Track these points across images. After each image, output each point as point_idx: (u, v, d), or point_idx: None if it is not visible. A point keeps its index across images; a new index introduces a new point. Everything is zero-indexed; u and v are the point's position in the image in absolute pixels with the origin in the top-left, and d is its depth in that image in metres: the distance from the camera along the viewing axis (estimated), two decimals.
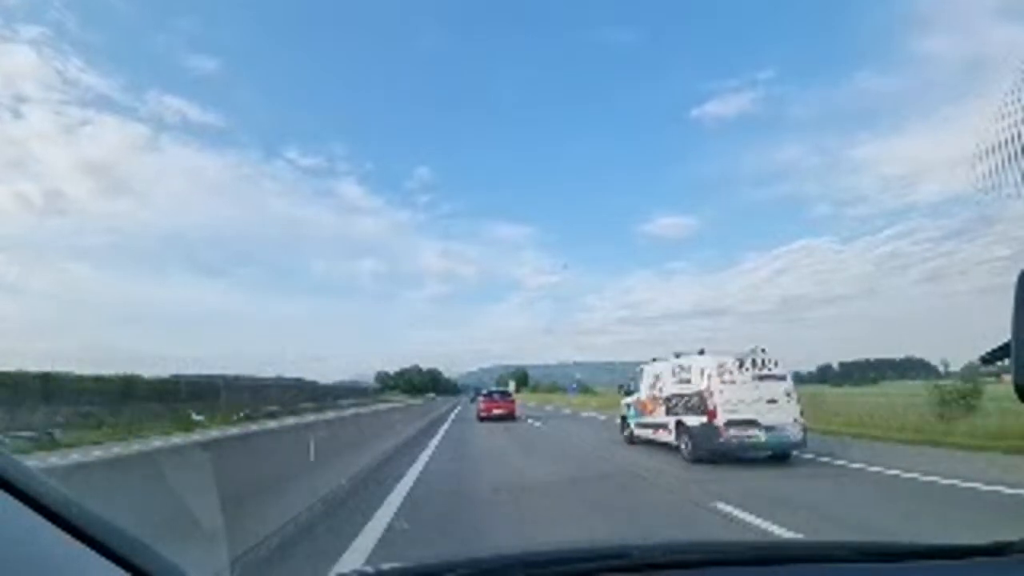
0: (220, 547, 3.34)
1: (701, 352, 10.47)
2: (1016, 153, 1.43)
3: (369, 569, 1.22)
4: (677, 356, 11.38)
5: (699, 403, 9.74)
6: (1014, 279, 0.93)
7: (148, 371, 34.06)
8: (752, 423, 9.22)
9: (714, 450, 9.40)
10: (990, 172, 1.49)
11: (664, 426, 11.17)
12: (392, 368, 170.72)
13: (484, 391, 29.94)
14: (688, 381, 10.37)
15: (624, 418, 13.93)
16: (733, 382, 9.53)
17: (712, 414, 9.35)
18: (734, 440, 9.16)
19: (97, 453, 4.66)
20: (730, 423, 9.20)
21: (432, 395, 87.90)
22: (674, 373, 11.06)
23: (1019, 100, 1.45)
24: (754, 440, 9.22)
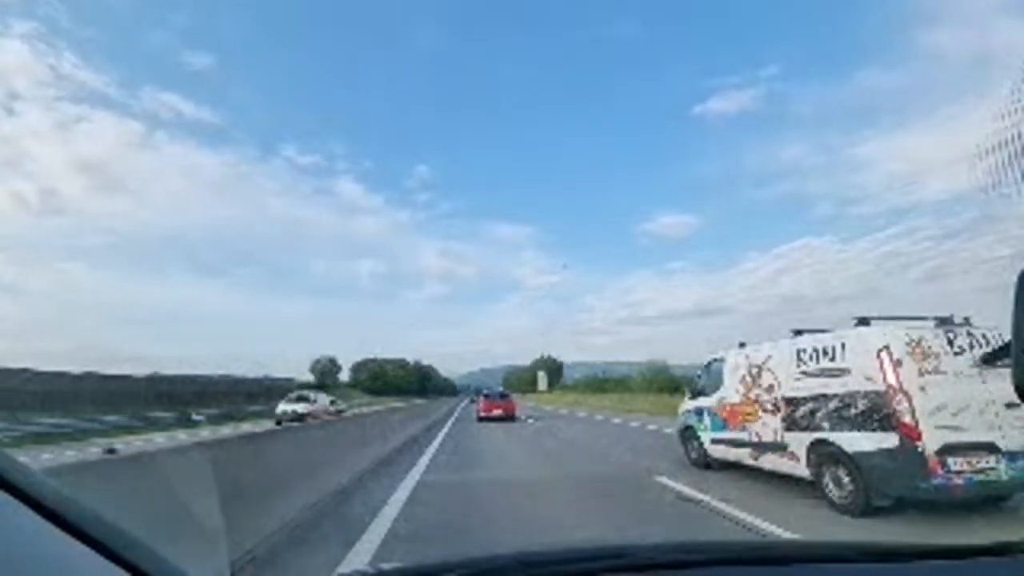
0: (220, 548, 3.33)
1: (861, 322, 5.99)
2: (1017, 153, 1.43)
3: (370, 569, 1.22)
4: (798, 333, 6.90)
5: (873, 411, 5.49)
6: (1014, 279, 0.93)
7: (138, 371, 34.30)
8: (988, 448, 5.08)
9: (915, 496, 5.11)
10: (991, 171, 1.49)
11: (779, 447, 6.80)
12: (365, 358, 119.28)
13: (484, 391, 30.58)
14: (841, 372, 5.97)
15: (688, 429, 9.38)
16: (942, 372, 5.36)
17: (910, 431, 5.10)
18: (956, 480, 4.92)
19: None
20: (947, 448, 5.01)
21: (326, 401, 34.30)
22: (802, 360, 6.61)
23: (1020, 100, 1.45)
24: (991, 478, 5.01)
